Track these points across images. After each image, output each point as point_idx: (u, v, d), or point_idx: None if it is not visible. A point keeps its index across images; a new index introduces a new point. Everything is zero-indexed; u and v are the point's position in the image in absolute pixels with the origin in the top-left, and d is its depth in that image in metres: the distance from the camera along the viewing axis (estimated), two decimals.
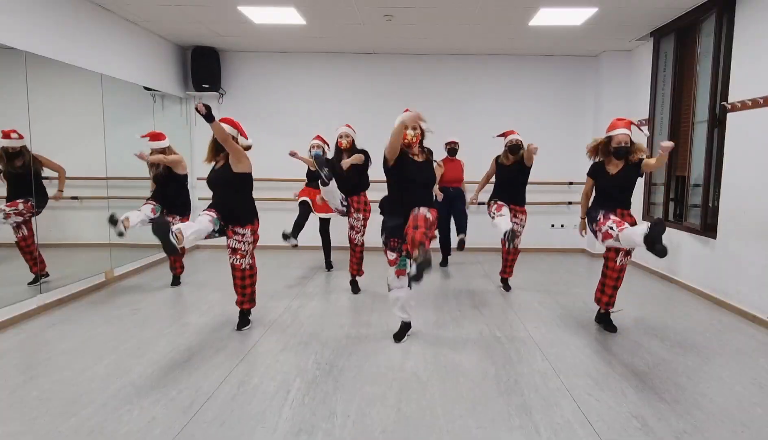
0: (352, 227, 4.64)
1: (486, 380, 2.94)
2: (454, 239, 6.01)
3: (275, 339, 3.58)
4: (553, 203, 6.95)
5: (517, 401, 2.69)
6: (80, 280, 4.65)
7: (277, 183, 6.66)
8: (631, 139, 3.48)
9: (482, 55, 6.83)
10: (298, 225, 5.25)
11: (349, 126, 4.67)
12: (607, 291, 3.74)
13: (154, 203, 4.62)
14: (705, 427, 2.45)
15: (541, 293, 4.87)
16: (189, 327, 3.78)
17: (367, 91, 6.89)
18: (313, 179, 5.34)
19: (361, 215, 4.60)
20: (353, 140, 4.59)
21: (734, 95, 4.35)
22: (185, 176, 4.72)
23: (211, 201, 3.58)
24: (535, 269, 5.94)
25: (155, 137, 4.60)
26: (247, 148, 3.59)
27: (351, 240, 4.68)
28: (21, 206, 4.11)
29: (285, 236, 5.08)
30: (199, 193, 6.21)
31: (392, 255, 3.37)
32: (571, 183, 6.86)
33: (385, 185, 3.41)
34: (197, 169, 6.46)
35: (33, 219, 4.18)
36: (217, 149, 3.50)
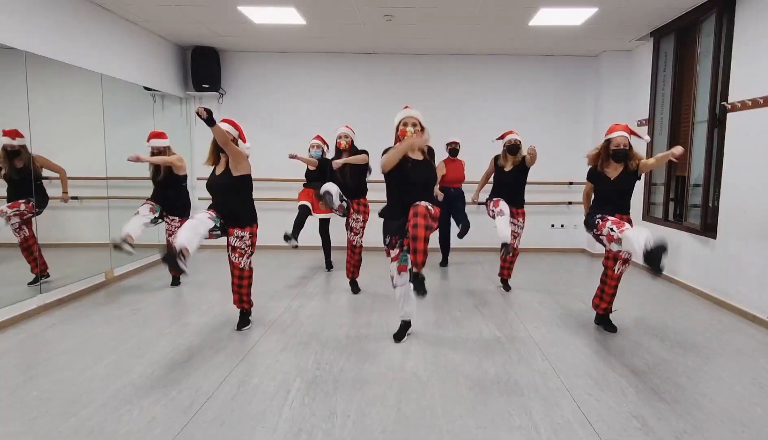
0: (351, 229, 4.64)
1: (486, 380, 2.94)
2: (454, 240, 6.01)
3: (275, 339, 3.58)
4: (553, 203, 6.95)
5: (517, 401, 2.69)
6: (80, 280, 4.65)
7: (277, 183, 6.66)
8: (629, 142, 3.48)
9: (482, 55, 6.83)
10: (298, 225, 5.26)
11: (348, 127, 4.67)
12: (605, 298, 3.75)
13: (153, 203, 4.62)
14: (705, 427, 2.45)
15: (541, 293, 4.87)
16: (189, 327, 3.78)
17: (367, 91, 6.89)
18: (312, 179, 5.34)
19: (360, 217, 4.60)
20: (352, 141, 4.60)
21: (734, 95, 4.35)
22: (185, 177, 4.73)
23: (211, 203, 3.58)
24: (535, 269, 5.94)
25: (157, 135, 4.60)
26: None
27: (349, 241, 4.68)
28: (22, 207, 4.11)
29: (286, 238, 5.08)
30: (199, 193, 6.21)
31: (394, 252, 3.36)
32: (571, 183, 6.86)
33: (385, 184, 3.39)
34: (197, 169, 6.46)
35: (33, 219, 4.18)
36: (218, 151, 3.50)
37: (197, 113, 3.10)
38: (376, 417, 2.52)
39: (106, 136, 5.03)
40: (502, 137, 4.70)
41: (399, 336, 3.56)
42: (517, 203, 4.63)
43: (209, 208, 3.51)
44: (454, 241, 6.08)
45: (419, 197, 3.18)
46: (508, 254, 4.57)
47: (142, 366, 3.07)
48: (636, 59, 6.34)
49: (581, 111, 6.92)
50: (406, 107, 3.27)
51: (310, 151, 5.33)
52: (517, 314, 4.20)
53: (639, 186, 5.85)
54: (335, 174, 4.51)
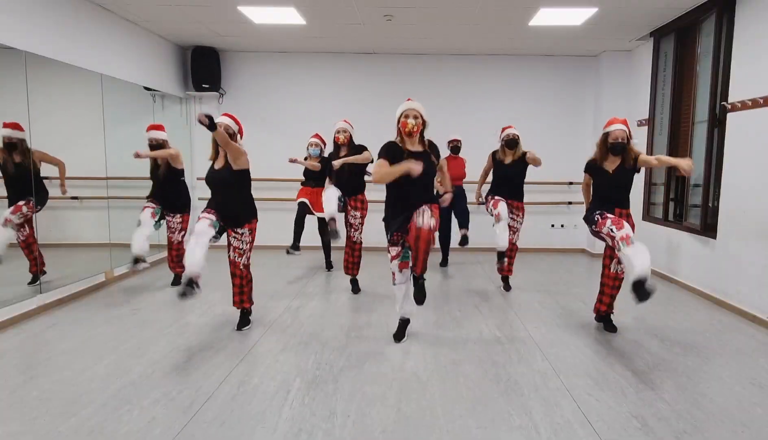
0: (350, 225, 4.61)
1: (486, 380, 2.94)
2: (455, 240, 6.02)
3: (275, 339, 3.58)
4: (553, 203, 6.95)
5: (517, 401, 2.69)
6: (80, 280, 4.65)
7: (276, 183, 6.66)
8: (628, 136, 3.48)
9: (482, 55, 6.83)
10: (298, 227, 5.31)
11: (346, 121, 4.61)
12: (605, 300, 3.74)
13: (153, 205, 4.62)
14: (705, 427, 2.45)
15: (541, 293, 4.87)
16: (189, 327, 3.78)
17: (367, 91, 6.89)
18: (310, 177, 5.34)
19: (358, 213, 4.57)
20: (351, 136, 4.55)
21: (734, 95, 4.35)
22: (182, 171, 4.73)
23: (209, 201, 3.58)
24: (535, 269, 5.94)
25: (155, 127, 4.61)
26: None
27: (349, 238, 4.64)
28: (24, 209, 4.11)
29: (288, 252, 5.22)
30: (199, 193, 6.21)
31: (395, 250, 3.33)
32: (571, 183, 6.86)
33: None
34: (197, 169, 6.47)
35: (33, 217, 4.18)
36: (219, 145, 3.49)
37: (199, 120, 3.09)
38: (376, 417, 2.52)
39: (106, 136, 5.03)
40: (501, 132, 4.69)
41: (399, 336, 3.56)
42: (516, 198, 4.62)
43: (207, 208, 3.51)
44: (455, 241, 6.08)
45: (418, 187, 3.15)
46: (503, 265, 4.70)
47: (142, 366, 3.07)
48: (636, 59, 6.34)
49: (581, 111, 6.92)
50: (409, 100, 3.25)
51: (308, 149, 5.33)
52: (517, 314, 4.20)
53: (639, 186, 5.91)
54: (334, 170, 4.50)
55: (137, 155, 4.33)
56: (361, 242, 4.68)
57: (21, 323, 3.86)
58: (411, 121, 3.15)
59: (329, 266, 5.73)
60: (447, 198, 3.48)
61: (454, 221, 5.95)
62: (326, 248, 5.73)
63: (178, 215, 4.71)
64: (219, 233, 3.52)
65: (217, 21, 5.40)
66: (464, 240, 5.68)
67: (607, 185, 3.56)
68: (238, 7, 4.88)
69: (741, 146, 4.26)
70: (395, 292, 3.47)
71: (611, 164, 3.55)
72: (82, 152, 4.96)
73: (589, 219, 3.58)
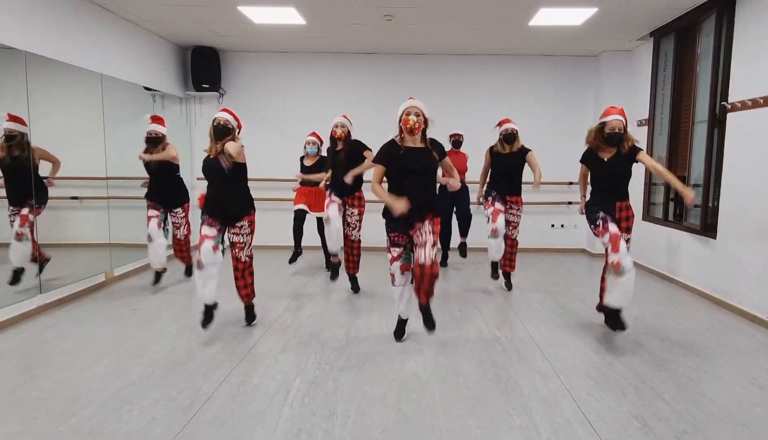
0: (347, 224, 4.57)
1: (486, 380, 2.94)
2: (455, 240, 6.03)
3: (275, 339, 3.58)
4: (553, 203, 6.95)
5: (517, 401, 2.69)
6: (80, 280, 4.65)
7: (276, 183, 6.65)
8: (624, 126, 3.47)
9: (482, 55, 6.83)
10: (297, 240, 5.44)
11: (345, 116, 4.57)
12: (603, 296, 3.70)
13: (155, 212, 4.63)
14: (705, 427, 2.45)
15: (541, 293, 4.87)
16: (189, 327, 3.78)
17: (367, 91, 6.89)
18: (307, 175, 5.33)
19: (355, 210, 4.54)
20: (348, 131, 4.52)
21: (734, 95, 4.35)
22: (177, 166, 4.74)
23: (206, 199, 3.56)
24: (535, 269, 5.94)
25: (157, 119, 4.62)
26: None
27: (347, 237, 4.60)
28: (31, 217, 4.12)
29: (291, 262, 5.38)
30: (199, 193, 6.20)
31: (396, 251, 3.33)
32: (571, 183, 6.85)
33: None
34: (198, 169, 6.44)
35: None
36: (216, 137, 3.48)
37: (224, 168, 3.38)
38: (376, 417, 2.52)
39: (106, 136, 5.03)
40: (499, 125, 4.68)
41: (399, 334, 3.56)
42: (514, 191, 4.61)
43: (207, 216, 3.50)
44: (455, 241, 6.09)
45: (419, 188, 3.16)
46: (497, 277, 4.80)
47: (142, 366, 3.07)
48: (636, 59, 6.34)
49: (581, 111, 6.91)
50: (411, 98, 3.26)
51: (305, 147, 5.34)
52: (517, 314, 4.20)
53: (639, 186, 5.91)
54: (333, 167, 4.48)
55: (141, 158, 4.39)
56: (359, 240, 4.65)
57: (21, 323, 3.86)
58: (412, 118, 3.15)
59: (329, 266, 5.73)
60: (454, 183, 3.37)
61: (454, 222, 5.96)
62: (326, 248, 5.71)
63: (180, 210, 4.71)
64: (222, 243, 3.58)
65: (217, 21, 5.40)
66: (463, 250, 5.86)
67: (603, 175, 3.54)
68: (238, 7, 4.88)
69: (741, 146, 4.26)
70: (394, 293, 3.46)
71: (607, 154, 3.53)
72: (82, 152, 4.96)
73: (590, 217, 3.57)
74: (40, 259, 4.22)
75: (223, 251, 3.57)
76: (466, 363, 3.17)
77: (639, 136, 5.88)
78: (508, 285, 4.93)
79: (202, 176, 3.65)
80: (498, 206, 4.55)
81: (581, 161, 3.73)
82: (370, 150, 4.43)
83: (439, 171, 3.92)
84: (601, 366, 3.15)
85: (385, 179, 3.32)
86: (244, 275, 3.69)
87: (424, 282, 3.14)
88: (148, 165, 4.61)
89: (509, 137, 4.55)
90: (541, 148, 6.68)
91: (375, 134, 6.37)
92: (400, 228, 3.27)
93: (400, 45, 6.39)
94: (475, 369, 3.09)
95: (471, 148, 5.97)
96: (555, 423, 2.47)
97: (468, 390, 2.81)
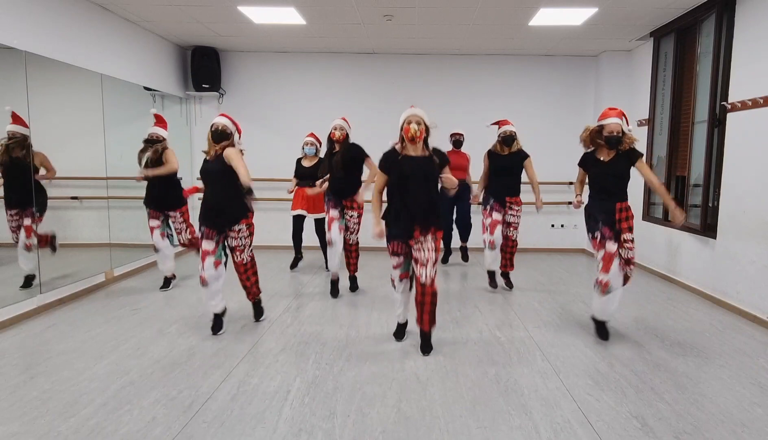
0: (346, 228, 4.55)
1: (486, 380, 2.94)
2: (455, 241, 6.05)
3: (275, 339, 3.58)
4: (553, 203, 6.95)
5: (517, 401, 2.69)
6: (80, 280, 4.65)
7: (276, 183, 6.65)
8: (623, 129, 3.46)
9: (482, 55, 6.83)
10: (297, 246, 5.56)
11: (344, 119, 4.58)
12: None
13: (156, 222, 4.64)
14: (705, 427, 2.45)
15: (541, 293, 4.87)
16: (189, 327, 3.78)
17: (367, 91, 6.89)
18: (304, 177, 5.32)
19: (354, 213, 4.52)
20: (347, 134, 4.50)
21: (734, 95, 4.35)
22: (176, 171, 4.73)
23: (203, 203, 3.58)
24: (535, 269, 5.94)
25: (161, 122, 4.62)
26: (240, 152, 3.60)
27: (345, 241, 4.60)
28: (34, 226, 4.13)
29: (292, 267, 5.51)
30: (199, 194, 6.20)
31: (395, 260, 3.34)
32: (571, 183, 6.85)
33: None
34: (197, 169, 6.44)
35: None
36: (214, 140, 3.50)
37: (249, 204, 3.47)
38: (376, 417, 2.52)
39: (106, 136, 5.03)
40: (497, 124, 4.69)
41: (399, 335, 3.57)
42: (513, 192, 4.62)
43: (204, 226, 3.51)
44: (455, 242, 6.10)
45: (419, 196, 3.15)
46: (495, 285, 4.85)
47: (142, 366, 3.07)
48: (636, 59, 6.34)
49: (581, 111, 6.91)
50: (412, 107, 3.26)
51: (303, 148, 5.34)
52: (517, 314, 4.20)
53: (639, 186, 5.90)
54: (331, 168, 4.48)
55: (143, 178, 4.45)
56: (357, 243, 4.65)
57: (21, 323, 3.86)
58: (414, 126, 3.13)
59: (329, 265, 5.73)
60: (451, 183, 3.28)
61: (456, 226, 6.00)
62: (324, 248, 5.70)
63: (177, 214, 4.70)
64: (225, 256, 3.63)
65: (217, 21, 5.40)
66: (465, 254, 6.03)
67: (603, 174, 3.51)
68: (238, 7, 4.88)
69: (741, 146, 4.26)
70: (394, 297, 3.50)
71: (606, 155, 3.52)
72: (82, 152, 4.96)
73: (588, 225, 3.59)
74: (49, 241, 4.22)
75: (225, 264, 3.63)
76: (466, 363, 3.17)
77: (639, 136, 5.91)
78: (509, 284, 4.93)
79: (202, 166, 3.65)
80: (495, 216, 4.60)
81: (579, 165, 3.72)
82: (369, 157, 4.45)
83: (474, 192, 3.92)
84: (601, 366, 3.15)
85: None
86: (248, 275, 3.74)
87: (425, 304, 3.23)
88: (146, 169, 4.59)
89: (507, 139, 4.56)
90: (541, 148, 6.72)
91: (374, 134, 6.39)
92: (400, 237, 3.26)
93: (400, 45, 6.39)
94: (475, 369, 3.09)
95: (471, 148, 5.97)
96: (555, 423, 2.47)
97: (468, 390, 2.81)
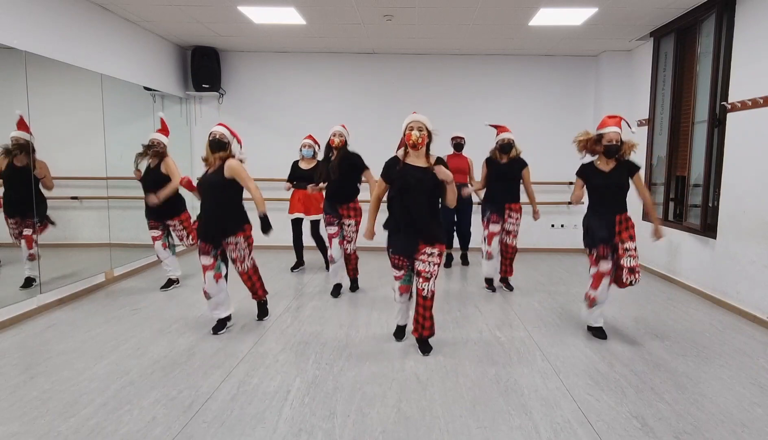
0: (344, 237, 4.53)
1: (486, 380, 2.94)
2: (455, 244, 6.06)
3: (275, 339, 3.58)
4: (553, 203, 6.95)
5: (517, 401, 2.69)
6: (80, 280, 4.65)
7: (276, 183, 6.64)
8: (621, 138, 3.45)
9: (482, 55, 6.83)
10: (298, 249, 5.63)
11: (343, 126, 4.60)
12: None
13: (157, 232, 4.64)
14: (705, 427, 2.45)
15: (541, 293, 4.87)
16: (189, 327, 3.78)
17: (367, 91, 6.89)
18: (301, 179, 5.31)
19: (352, 222, 4.49)
20: (345, 140, 4.52)
21: (734, 95, 4.35)
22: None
23: (199, 216, 3.59)
24: (535, 269, 5.94)
25: (163, 130, 4.62)
26: (240, 161, 3.61)
27: (344, 251, 4.58)
28: (35, 236, 4.13)
29: (292, 269, 5.57)
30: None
31: (396, 273, 3.35)
32: (571, 183, 6.85)
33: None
34: (197, 169, 6.44)
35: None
36: (212, 150, 3.50)
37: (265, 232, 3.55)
38: (376, 417, 2.52)
39: (106, 136, 5.03)
40: (495, 127, 4.69)
41: (399, 336, 3.58)
42: (513, 199, 4.63)
43: (201, 240, 3.52)
44: (455, 244, 6.10)
45: (420, 206, 3.12)
46: (494, 289, 4.88)
47: (142, 366, 3.07)
48: (636, 59, 6.34)
49: (581, 111, 6.91)
50: (414, 113, 3.25)
51: (301, 150, 5.33)
52: (517, 314, 4.20)
53: None
54: (328, 174, 4.48)
55: (152, 202, 4.47)
56: (355, 251, 4.63)
57: (21, 323, 3.86)
58: (415, 133, 3.10)
59: (328, 266, 5.73)
60: (444, 175, 3.16)
61: (457, 233, 6.02)
62: (321, 248, 5.68)
63: (177, 222, 4.67)
64: (226, 267, 3.67)
65: (217, 21, 5.40)
66: (465, 259, 6.08)
67: (604, 186, 3.48)
68: (238, 7, 4.88)
69: (741, 146, 4.26)
70: (395, 303, 3.53)
71: (606, 164, 3.51)
72: (82, 152, 4.96)
73: (586, 238, 3.59)
74: (43, 229, 4.24)
75: (226, 277, 3.67)
76: (466, 363, 3.17)
77: (639, 136, 5.90)
78: (509, 287, 4.94)
79: (201, 177, 3.66)
80: (492, 228, 4.65)
81: (578, 175, 3.63)
82: (369, 169, 4.46)
83: (469, 188, 3.92)
84: (601, 366, 3.15)
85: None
86: (252, 282, 3.80)
87: (426, 319, 3.27)
88: (144, 178, 4.57)
89: (506, 147, 4.58)
90: (541, 148, 6.73)
91: (374, 134, 6.40)
92: (399, 252, 3.25)
93: (400, 45, 6.39)
94: (475, 369, 3.09)
95: (471, 148, 5.97)
96: (555, 423, 2.47)
97: (468, 390, 2.81)
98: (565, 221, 7.06)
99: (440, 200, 3.25)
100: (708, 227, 4.67)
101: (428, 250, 3.17)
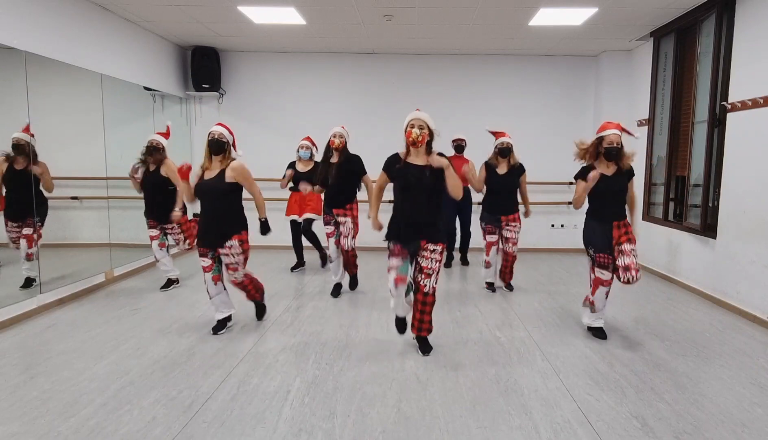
0: (340, 234, 4.52)
1: (486, 380, 2.94)
2: (456, 243, 6.07)
3: (275, 339, 3.58)
4: (553, 203, 6.95)
5: (517, 401, 2.69)
6: (80, 280, 4.65)
7: (276, 183, 6.64)
8: (621, 141, 3.43)
9: (482, 55, 6.83)
10: (298, 250, 5.63)
11: (343, 127, 4.59)
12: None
13: (155, 232, 4.64)
14: (705, 427, 2.45)
15: (541, 293, 4.87)
16: (189, 327, 3.78)
17: (367, 91, 6.90)
18: (299, 180, 5.30)
19: (348, 219, 4.48)
20: (345, 142, 4.51)
21: (734, 95, 4.35)
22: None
23: (198, 222, 3.58)
24: (535, 269, 5.94)
25: (165, 134, 4.63)
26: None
27: (341, 247, 4.55)
28: (35, 236, 4.13)
29: (292, 270, 5.58)
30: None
31: (394, 261, 3.18)
32: (571, 183, 6.84)
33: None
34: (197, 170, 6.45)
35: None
36: (212, 152, 3.46)
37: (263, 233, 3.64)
38: (376, 417, 2.52)
39: (106, 136, 5.03)
40: (494, 134, 4.69)
41: (401, 327, 3.45)
42: (511, 210, 4.64)
43: (200, 245, 3.52)
44: (457, 241, 6.10)
45: (421, 202, 3.11)
46: (494, 290, 4.89)
47: (142, 366, 3.07)
48: (636, 59, 6.33)
49: (581, 111, 6.92)
50: (417, 110, 3.23)
51: (298, 151, 5.31)
52: (517, 314, 4.21)
53: (639, 186, 5.91)
54: (326, 178, 4.47)
55: (177, 217, 4.55)
56: (353, 248, 4.55)
57: (21, 323, 3.86)
58: (415, 131, 3.07)
59: (324, 262, 5.70)
60: (439, 162, 3.13)
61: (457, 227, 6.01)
62: (315, 244, 5.64)
63: (176, 224, 4.65)
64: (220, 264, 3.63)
65: (217, 21, 5.40)
66: (465, 260, 6.10)
67: (604, 190, 3.43)
68: (238, 7, 4.88)
69: (741, 146, 4.26)
70: (390, 298, 3.33)
71: (606, 169, 3.47)
72: (82, 152, 4.96)
73: (587, 243, 3.59)
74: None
75: (223, 279, 3.67)
76: (466, 363, 3.17)
77: (640, 137, 5.90)
78: (509, 287, 4.94)
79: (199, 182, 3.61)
80: (489, 238, 4.70)
81: (580, 177, 3.54)
82: (367, 174, 4.47)
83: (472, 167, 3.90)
84: (601, 366, 3.15)
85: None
86: (247, 290, 3.74)
87: (425, 314, 3.27)
88: (144, 179, 4.56)
89: (504, 151, 4.58)
90: (541, 147, 6.73)
91: (374, 134, 6.39)
92: (399, 240, 3.18)
93: (400, 45, 6.39)
94: (475, 369, 3.09)
95: (472, 149, 5.97)
96: (555, 423, 2.47)
97: (468, 390, 2.81)
98: (565, 221, 7.05)
99: (442, 201, 3.23)
100: (708, 227, 4.67)
101: (430, 247, 3.16)
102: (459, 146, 5.80)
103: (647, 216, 5.92)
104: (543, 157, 6.68)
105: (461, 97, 6.89)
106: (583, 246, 3.70)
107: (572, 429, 2.42)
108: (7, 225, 4.08)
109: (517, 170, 4.62)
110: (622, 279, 3.40)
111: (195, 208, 4.67)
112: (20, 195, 4.09)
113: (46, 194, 4.26)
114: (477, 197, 5.36)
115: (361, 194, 4.62)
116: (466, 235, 6.02)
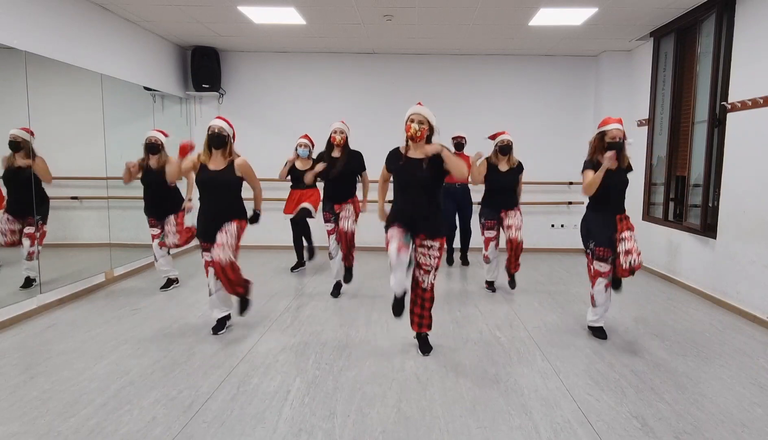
0: (340, 218, 4.47)
1: (486, 380, 2.94)
2: (456, 242, 6.06)
3: (275, 339, 3.58)
4: (553, 203, 6.95)
5: (517, 401, 2.69)
6: (80, 280, 4.65)
7: (276, 183, 6.65)
8: (624, 134, 3.42)
9: (482, 55, 6.83)
10: (299, 249, 5.59)
11: (343, 122, 4.55)
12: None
13: (156, 230, 4.65)
14: (705, 427, 2.45)
15: (541, 293, 4.87)
16: (189, 327, 3.78)
17: (367, 91, 6.90)
18: (295, 179, 5.30)
19: (350, 205, 4.48)
20: (347, 137, 4.50)
21: (734, 95, 4.35)
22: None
23: (198, 216, 3.56)
24: (535, 269, 5.94)
25: (161, 132, 4.64)
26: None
27: (340, 230, 4.47)
28: (37, 234, 4.14)
29: (292, 270, 5.55)
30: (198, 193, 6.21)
31: (395, 233, 3.05)
32: (571, 183, 6.86)
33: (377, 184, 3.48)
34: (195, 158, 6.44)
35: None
36: (212, 146, 3.47)
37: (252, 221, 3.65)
38: (376, 417, 2.52)
39: (106, 136, 5.03)
40: (493, 137, 4.70)
41: (398, 309, 3.23)
42: (511, 205, 4.64)
43: (201, 240, 3.53)
44: (456, 243, 6.10)
45: (421, 196, 3.11)
46: (495, 290, 4.90)
47: (142, 366, 3.07)
48: (636, 59, 6.33)
49: (581, 111, 6.91)
50: (419, 104, 3.21)
51: (296, 149, 5.30)
52: (517, 314, 4.20)
53: (639, 186, 5.91)
54: (328, 173, 4.47)
55: (190, 208, 4.68)
56: (353, 232, 4.43)
57: (21, 323, 3.86)
58: (415, 125, 3.06)
59: (311, 252, 5.61)
60: (433, 150, 3.05)
61: (458, 226, 6.01)
62: (306, 235, 5.62)
63: (173, 217, 4.67)
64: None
65: (217, 21, 5.40)
66: (465, 259, 6.09)
67: (610, 184, 3.43)
68: (238, 7, 4.88)
69: (741, 146, 4.26)
70: (391, 271, 3.10)
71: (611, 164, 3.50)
72: (82, 152, 4.96)
73: (586, 237, 3.58)
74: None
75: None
76: (466, 363, 3.17)
77: (639, 136, 5.92)
78: (512, 284, 4.89)
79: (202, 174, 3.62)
80: (488, 234, 4.69)
81: (589, 168, 3.47)
82: (365, 171, 4.51)
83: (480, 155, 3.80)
84: (601, 366, 3.15)
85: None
86: (227, 275, 3.38)
87: (425, 309, 3.26)
88: (144, 176, 4.57)
89: (504, 149, 4.58)
90: (541, 147, 6.74)
91: (374, 134, 6.39)
92: (400, 220, 3.14)
93: (400, 45, 6.39)
94: (475, 369, 3.09)
95: (472, 147, 5.95)
96: (555, 423, 2.47)
97: (468, 390, 2.81)
98: (565, 221, 7.05)
99: (441, 196, 3.24)
100: (708, 227, 4.67)
101: (428, 243, 3.15)
102: (459, 143, 5.79)
103: (647, 216, 5.92)
104: (543, 157, 6.68)
105: (461, 97, 6.89)
106: (582, 246, 3.70)
107: (572, 429, 2.42)
108: (4, 217, 4.07)
109: (517, 169, 4.63)
110: (624, 265, 3.25)
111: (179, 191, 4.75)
112: (20, 194, 4.09)
113: (47, 189, 4.25)
114: (477, 196, 5.37)
115: (358, 193, 4.63)
116: (466, 234, 6.03)
